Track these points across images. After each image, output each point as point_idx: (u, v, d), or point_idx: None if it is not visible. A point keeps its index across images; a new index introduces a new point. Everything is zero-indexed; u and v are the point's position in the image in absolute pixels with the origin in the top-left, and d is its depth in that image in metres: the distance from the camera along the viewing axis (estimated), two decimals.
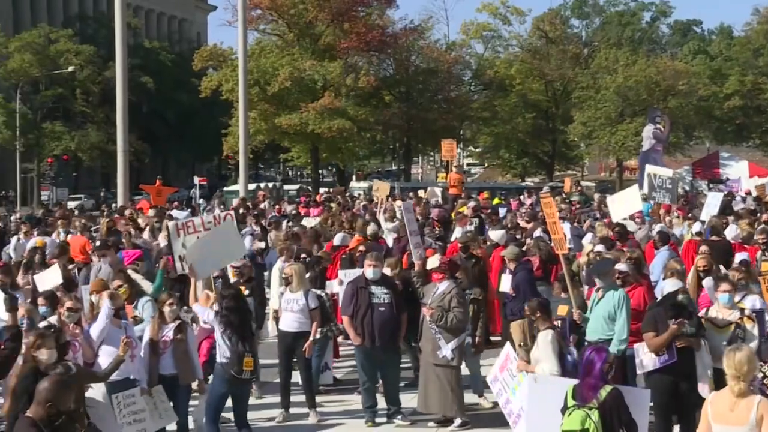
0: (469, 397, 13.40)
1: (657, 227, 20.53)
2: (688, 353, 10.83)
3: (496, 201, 36.84)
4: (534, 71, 75.54)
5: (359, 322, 12.96)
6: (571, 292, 12.35)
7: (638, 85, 67.74)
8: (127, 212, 26.58)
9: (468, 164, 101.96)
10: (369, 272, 13.19)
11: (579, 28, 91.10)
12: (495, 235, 18.44)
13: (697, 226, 19.52)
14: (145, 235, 20.74)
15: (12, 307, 9.71)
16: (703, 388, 10.73)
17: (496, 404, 13.53)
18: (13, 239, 22.55)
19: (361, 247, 16.30)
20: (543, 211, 14.56)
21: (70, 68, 73.04)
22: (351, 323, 13.09)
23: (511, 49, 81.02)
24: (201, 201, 46.11)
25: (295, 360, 13.48)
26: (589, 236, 20.11)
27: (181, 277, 14.53)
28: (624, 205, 21.68)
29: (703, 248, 15.31)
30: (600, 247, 16.04)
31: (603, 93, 69.35)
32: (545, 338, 10.58)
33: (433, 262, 13.10)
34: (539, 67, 75.17)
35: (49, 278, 14.20)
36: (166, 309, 11.32)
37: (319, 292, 13.93)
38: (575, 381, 8.77)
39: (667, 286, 11.62)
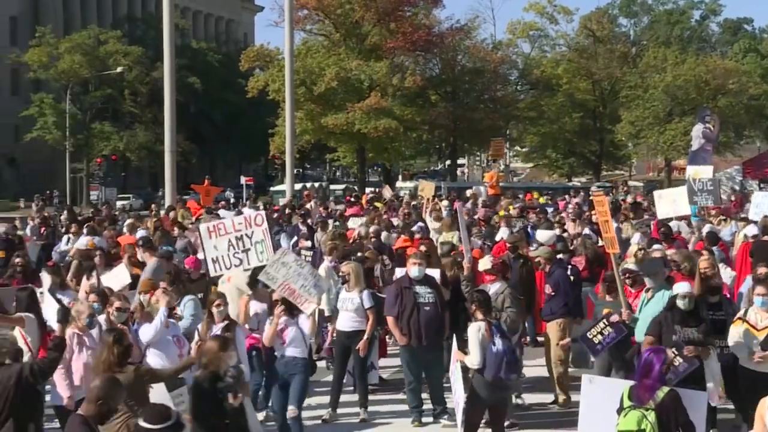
0: None
1: (706, 228, 20.25)
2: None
3: (542, 200, 36.68)
4: (581, 70, 75.09)
5: (405, 322, 12.90)
6: (621, 293, 12.21)
7: (687, 84, 67.15)
8: (172, 213, 26.70)
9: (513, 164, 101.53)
10: (414, 271, 13.12)
11: (627, 27, 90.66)
12: (544, 235, 18.24)
13: (752, 229, 19.09)
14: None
15: (63, 319, 9.77)
16: (713, 398, 10.47)
17: (536, 404, 13.70)
18: (63, 239, 22.76)
19: (422, 247, 16.13)
20: (595, 209, 14.41)
21: (119, 69, 73.84)
22: (396, 323, 13.03)
23: (558, 49, 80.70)
24: (231, 199, 46.37)
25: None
26: (636, 236, 19.89)
27: (201, 276, 14.58)
28: (671, 205, 21.38)
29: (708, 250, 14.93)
30: (657, 247, 15.81)
31: (651, 92, 68.83)
32: (473, 329, 11.00)
33: (485, 263, 12.96)
34: (586, 66, 74.71)
35: (117, 279, 14.23)
36: (214, 309, 11.34)
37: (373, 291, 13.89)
38: (631, 382, 8.67)
39: (675, 289, 11.31)
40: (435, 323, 12.95)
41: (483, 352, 10.79)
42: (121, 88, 79.66)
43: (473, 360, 10.91)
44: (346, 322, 13.39)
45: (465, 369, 11.26)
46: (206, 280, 14.39)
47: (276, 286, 11.75)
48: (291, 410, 11.52)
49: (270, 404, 12.63)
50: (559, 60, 77.47)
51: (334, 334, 13.98)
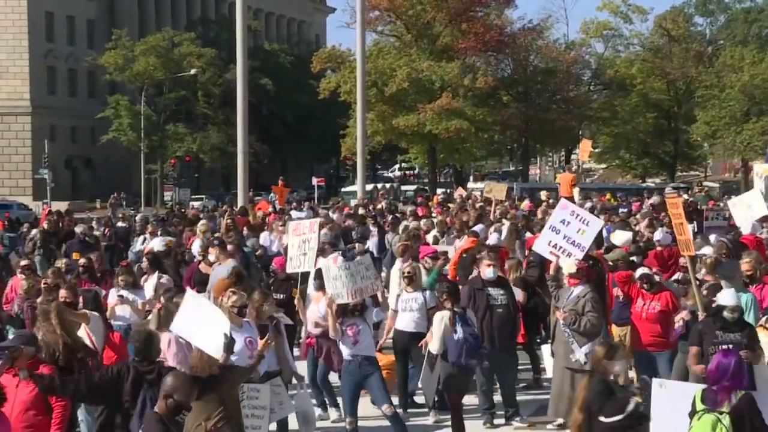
0: None
1: None
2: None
3: (613, 202, 36.20)
4: (656, 70, 74.22)
5: (478, 324, 12.77)
6: (697, 296, 12.00)
7: (765, 84, 66.06)
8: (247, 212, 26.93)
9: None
10: (488, 272, 13.01)
11: (703, 26, 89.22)
12: (621, 237, 17.81)
13: None
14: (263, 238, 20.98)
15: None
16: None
17: None
18: (139, 239, 23.00)
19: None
20: (668, 211, 14.17)
21: (193, 71, 74.75)
22: None
23: (632, 48, 79.82)
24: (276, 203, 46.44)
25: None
26: (712, 237, 19.49)
27: (288, 277, 14.63)
28: (747, 210, 20.93)
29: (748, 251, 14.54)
30: (706, 249, 15.51)
31: (728, 92, 67.83)
32: (437, 318, 11.97)
33: (570, 266, 12.75)
34: (661, 66, 73.84)
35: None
36: (261, 308, 11.44)
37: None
38: (703, 386, 8.51)
39: (721, 298, 10.95)
40: (508, 325, 12.88)
41: (443, 339, 11.72)
42: (194, 90, 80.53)
43: (434, 346, 11.85)
44: (408, 322, 13.30)
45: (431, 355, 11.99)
46: (291, 282, 14.48)
47: (347, 299, 11.76)
48: (386, 408, 11.54)
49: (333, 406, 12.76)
50: (633, 60, 76.65)
51: (390, 335, 13.93)
